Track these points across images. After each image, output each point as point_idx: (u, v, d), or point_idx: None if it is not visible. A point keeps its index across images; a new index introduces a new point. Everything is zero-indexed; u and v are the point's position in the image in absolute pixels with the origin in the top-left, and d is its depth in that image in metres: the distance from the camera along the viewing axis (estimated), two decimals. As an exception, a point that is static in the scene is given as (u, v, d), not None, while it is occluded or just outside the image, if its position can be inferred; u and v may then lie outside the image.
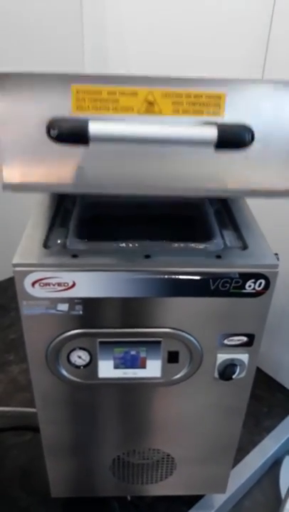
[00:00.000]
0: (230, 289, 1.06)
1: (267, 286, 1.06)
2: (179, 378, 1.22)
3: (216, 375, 1.22)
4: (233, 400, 1.30)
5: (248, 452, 1.91)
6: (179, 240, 1.12)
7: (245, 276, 1.05)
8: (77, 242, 1.09)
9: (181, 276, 1.04)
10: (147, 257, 1.04)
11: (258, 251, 1.09)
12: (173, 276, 1.04)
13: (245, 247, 1.12)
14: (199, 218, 1.34)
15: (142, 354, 1.18)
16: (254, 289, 1.06)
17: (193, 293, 1.07)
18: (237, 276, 1.04)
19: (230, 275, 1.04)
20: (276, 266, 1.04)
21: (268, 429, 2.02)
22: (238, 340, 1.17)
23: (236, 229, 1.21)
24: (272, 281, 1.05)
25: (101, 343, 1.15)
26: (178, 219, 1.38)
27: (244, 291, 1.07)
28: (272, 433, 1.99)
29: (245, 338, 1.17)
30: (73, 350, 1.16)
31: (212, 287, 1.06)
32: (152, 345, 1.17)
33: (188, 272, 1.03)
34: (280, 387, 2.24)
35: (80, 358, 1.18)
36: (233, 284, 1.05)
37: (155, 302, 1.09)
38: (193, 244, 1.12)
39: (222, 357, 1.19)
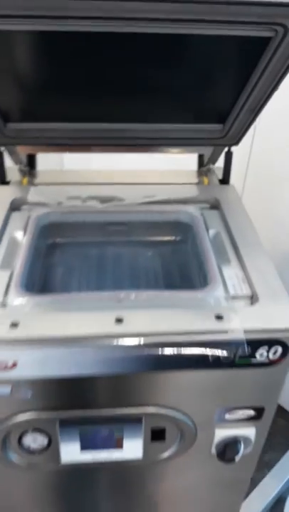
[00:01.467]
0: (236, 359, 0.77)
1: (285, 354, 0.77)
2: (166, 458, 0.94)
3: (213, 450, 0.94)
4: (236, 474, 1.03)
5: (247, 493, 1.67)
6: (167, 284, 0.84)
7: (256, 344, 0.76)
8: (20, 296, 0.78)
9: (166, 350, 0.74)
10: (119, 321, 0.74)
11: (271, 304, 0.80)
12: (155, 350, 0.74)
13: (254, 296, 0.83)
14: (191, 246, 1.04)
15: (118, 434, 0.90)
16: (267, 358, 0.78)
17: (184, 366, 0.78)
18: (244, 343, 0.75)
19: (236, 343, 0.75)
20: (299, 330, 0.75)
21: (269, 465, 1.77)
22: (243, 414, 0.89)
23: (240, 263, 0.91)
24: (292, 348, 0.77)
25: (62, 422, 0.86)
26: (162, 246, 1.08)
27: (254, 361, 0.78)
28: (274, 470, 1.75)
29: (252, 412, 0.89)
30: (26, 432, 0.87)
31: (210, 359, 0.77)
32: (130, 423, 0.88)
33: (177, 343, 0.74)
34: (281, 410, 1.99)
35: (35, 441, 0.89)
36: (239, 354, 0.76)
37: (132, 378, 0.80)
38: (184, 294, 0.82)
39: (221, 434, 0.91)
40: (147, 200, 1.10)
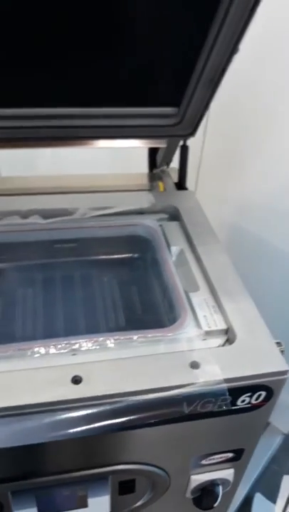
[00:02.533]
0: (214, 408, 0.67)
1: (269, 397, 0.68)
2: (137, 507, 0.83)
3: (189, 495, 0.84)
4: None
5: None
6: (128, 314, 0.70)
7: (238, 392, 0.65)
8: None
9: (135, 410, 0.62)
10: (76, 381, 0.61)
11: (250, 341, 0.69)
12: (122, 412, 0.62)
13: (229, 330, 0.72)
14: (151, 265, 0.92)
15: (81, 492, 0.77)
16: (249, 403, 0.68)
17: (155, 423, 0.67)
18: (226, 394, 0.64)
19: (215, 394, 0.64)
20: (285, 372, 0.65)
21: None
22: (221, 458, 0.79)
23: (210, 288, 0.80)
24: (276, 391, 0.67)
25: (15, 491, 0.73)
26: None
27: (234, 407, 0.68)
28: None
29: (230, 455, 0.79)
30: None
31: (186, 411, 0.65)
32: (95, 481, 0.76)
33: (148, 402, 0.62)
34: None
35: (-19, 512, 0.74)
36: (218, 403, 0.66)
37: (95, 440, 0.67)
38: (150, 335, 0.70)
39: (197, 480, 0.81)
40: (99, 213, 0.95)
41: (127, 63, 0.78)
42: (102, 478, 0.75)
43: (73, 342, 0.67)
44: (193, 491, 0.83)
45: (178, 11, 0.69)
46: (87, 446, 0.68)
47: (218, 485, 0.83)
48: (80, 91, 0.83)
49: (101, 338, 0.68)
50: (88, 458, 0.70)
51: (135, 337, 0.69)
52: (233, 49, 0.74)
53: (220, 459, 0.79)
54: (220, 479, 0.82)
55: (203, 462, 0.79)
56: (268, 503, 1.77)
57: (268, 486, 1.80)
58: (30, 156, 1.25)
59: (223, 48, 0.73)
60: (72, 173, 1.09)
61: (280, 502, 1.70)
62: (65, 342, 0.67)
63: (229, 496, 0.91)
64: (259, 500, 1.75)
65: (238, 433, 0.75)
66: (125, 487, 0.79)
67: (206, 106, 0.87)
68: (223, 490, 0.84)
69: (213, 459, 0.79)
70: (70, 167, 1.10)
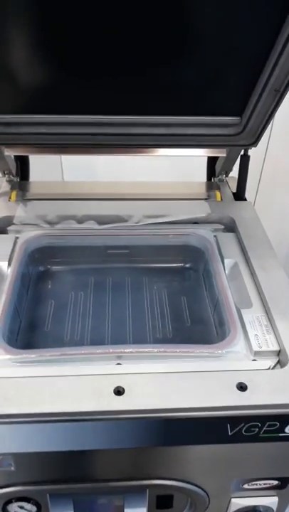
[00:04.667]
0: (260, 433, 0.63)
1: None
2: (173, 524, 0.81)
3: (230, 519, 0.81)
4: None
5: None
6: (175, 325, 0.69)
7: (286, 418, 0.62)
8: None
9: (177, 427, 0.61)
10: (119, 392, 0.60)
11: (304, 366, 0.65)
12: (163, 427, 0.61)
13: (281, 352, 0.68)
14: (203, 276, 0.90)
15: (118, 502, 0.77)
16: (299, 432, 0.64)
17: (197, 442, 0.65)
18: (273, 420, 0.61)
19: (262, 419, 0.61)
20: None
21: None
22: (265, 484, 0.76)
23: (264, 306, 0.77)
24: None
25: (53, 494, 0.73)
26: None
27: (282, 434, 0.64)
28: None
29: (275, 482, 0.75)
30: (10, 501, 0.74)
31: (230, 433, 0.63)
32: (132, 492, 0.75)
33: (190, 419, 0.60)
34: None
35: (22, 508, 0.76)
36: (264, 429, 0.63)
37: (135, 452, 0.66)
38: (198, 350, 0.68)
39: (238, 503, 0.78)
40: (153, 221, 0.95)
41: (189, 71, 0.77)
42: (140, 490, 0.74)
43: (119, 351, 0.67)
44: (234, 515, 0.79)
45: (244, 16, 0.67)
46: (127, 457, 0.68)
47: (260, 512, 0.79)
48: (142, 100, 0.83)
49: (147, 349, 0.67)
50: (127, 469, 0.70)
51: (182, 351, 0.67)
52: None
53: (263, 485, 0.76)
54: (262, 506, 0.78)
55: (246, 486, 0.76)
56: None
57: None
58: (92, 163, 1.27)
59: None
60: (131, 179, 1.09)
61: None
62: (110, 350, 0.67)
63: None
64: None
65: (284, 461, 0.71)
66: (163, 501, 0.78)
67: (270, 116, 0.84)
68: (265, 517, 0.80)
69: (257, 484, 0.75)
70: (130, 174, 1.11)
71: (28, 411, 0.58)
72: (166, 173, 1.23)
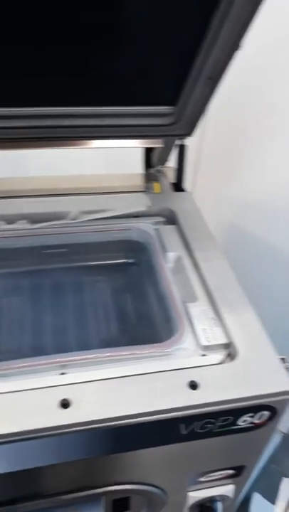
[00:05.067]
0: (214, 429, 0.63)
1: (272, 417, 0.64)
2: (132, 525, 0.80)
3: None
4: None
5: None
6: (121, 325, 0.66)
7: (239, 412, 0.62)
8: None
9: (129, 433, 0.58)
10: (65, 405, 0.57)
11: (253, 357, 0.66)
12: (114, 435, 0.58)
13: (230, 345, 0.68)
14: (146, 271, 0.87)
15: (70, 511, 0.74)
16: (252, 422, 0.64)
17: (150, 445, 0.63)
18: (226, 415, 0.61)
19: (215, 415, 0.60)
20: (287, 392, 0.61)
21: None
22: (220, 474, 0.76)
23: (209, 298, 0.76)
24: (280, 410, 0.64)
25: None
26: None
27: (235, 427, 0.64)
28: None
29: (230, 471, 0.76)
30: None
31: (184, 432, 0.62)
32: (88, 501, 0.73)
33: (142, 424, 0.58)
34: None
35: None
36: (218, 424, 0.62)
37: (87, 462, 0.63)
38: (145, 351, 0.66)
39: (195, 497, 0.78)
40: (91, 217, 0.91)
41: (121, 60, 0.73)
42: (95, 498, 0.72)
43: (62, 359, 0.63)
44: (192, 508, 0.79)
45: (175, 4, 0.64)
46: (79, 468, 0.65)
47: (217, 501, 0.80)
48: (73, 90, 0.78)
49: (93, 355, 0.64)
50: (81, 480, 0.67)
51: (129, 353, 0.64)
52: (235, 45, 0.69)
53: (219, 476, 0.76)
54: (219, 496, 0.79)
55: (202, 479, 0.76)
56: (267, 503, 1.75)
57: (266, 486, 1.78)
58: (20, 157, 1.20)
59: (225, 44, 0.68)
60: (64, 173, 1.04)
61: (280, 504, 1.67)
62: (53, 360, 0.63)
63: (229, 510, 0.88)
64: (257, 500, 1.73)
65: (239, 451, 0.72)
66: (120, 505, 0.76)
67: (204, 105, 0.83)
68: (223, 505, 0.80)
69: (212, 476, 0.75)
70: (62, 168, 1.05)
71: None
72: (99, 165, 1.18)
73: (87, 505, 0.73)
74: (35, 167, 1.16)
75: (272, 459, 1.87)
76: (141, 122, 0.86)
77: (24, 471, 0.60)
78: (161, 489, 0.74)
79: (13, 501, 0.66)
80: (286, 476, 1.74)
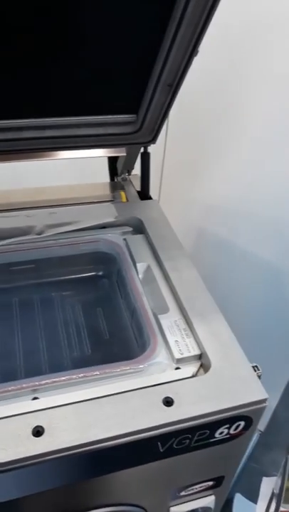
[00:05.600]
0: (192, 443, 0.62)
1: (248, 426, 0.64)
2: None
3: (170, 525, 0.80)
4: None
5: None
6: (93, 342, 0.64)
7: (216, 425, 0.61)
8: None
9: (105, 457, 0.57)
10: (38, 433, 0.54)
11: (226, 368, 0.65)
12: (90, 460, 0.56)
13: (203, 355, 0.67)
14: (117, 283, 0.86)
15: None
16: (228, 433, 0.64)
17: (128, 465, 0.62)
18: (202, 429, 0.60)
19: (192, 430, 0.59)
20: (264, 400, 0.61)
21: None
22: (201, 487, 0.75)
23: (180, 308, 0.76)
24: (255, 419, 0.63)
25: None
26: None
27: (212, 440, 0.63)
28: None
29: (210, 483, 0.75)
30: None
31: (161, 449, 0.61)
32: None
33: (118, 446, 0.56)
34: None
35: None
36: (195, 438, 0.61)
37: (60, 490, 0.61)
38: (118, 368, 0.64)
39: (177, 511, 0.77)
40: (57, 231, 0.89)
41: (78, 69, 0.72)
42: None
43: (33, 384, 0.60)
44: (174, 523, 0.78)
45: (132, 11, 0.63)
46: (55, 495, 0.62)
47: (198, 513, 0.79)
48: (31, 100, 0.76)
49: (64, 378, 0.62)
50: (59, 506, 0.64)
51: (103, 372, 0.63)
52: (193, 51, 0.69)
53: (200, 488, 0.75)
54: (201, 508, 0.78)
55: (183, 493, 0.75)
56: (249, 503, 1.76)
57: (247, 485, 1.79)
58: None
59: (182, 50, 0.68)
60: (25, 186, 1.01)
61: (261, 504, 1.69)
62: (24, 385, 0.60)
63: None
64: (239, 500, 1.74)
65: (217, 462, 0.71)
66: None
67: (165, 112, 0.82)
68: (204, 517, 0.80)
69: (193, 489, 0.74)
70: (24, 180, 1.03)
71: None
72: (63, 177, 1.16)
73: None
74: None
75: (251, 458, 1.88)
76: (104, 131, 0.85)
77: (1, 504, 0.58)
78: (142, 508, 0.72)
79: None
80: (266, 475, 1.75)
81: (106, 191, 1.05)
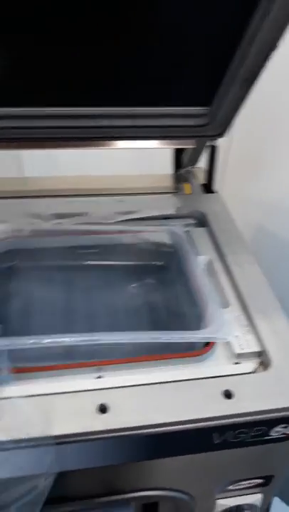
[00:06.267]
0: (247, 439, 0.62)
1: (305, 428, 0.63)
2: (158, 529, 0.80)
3: (214, 519, 0.81)
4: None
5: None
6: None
7: (272, 423, 0.61)
8: None
9: (163, 440, 0.58)
10: (102, 410, 0.57)
11: (287, 366, 0.64)
12: (149, 442, 0.58)
13: (264, 353, 0.67)
14: (177, 275, 0.87)
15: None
16: (284, 433, 0.63)
17: (183, 452, 0.63)
18: (259, 425, 0.60)
19: (250, 425, 0.60)
20: None
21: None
22: (249, 483, 0.75)
23: (241, 304, 0.75)
24: (314, 421, 0.62)
25: None
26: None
27: (267, 438, 0.63)
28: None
29: (259, 481, 0.75)
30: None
31: (216, 441, 0.61)
32: (117, 506, 0.73)
33: (177, 432, 0.57)
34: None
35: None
36: (251, 434, 0.61)
37: (119, 468, 0.63)
38: (180, 355, 0.65)
39: (223, 504, 0.77)
40: (122, 218, 0.91)
41: (155, 61, 0.73)
42: (125, 503, 0.72)
43: (98, 363, 0.63)
44: (219, 515, 0.79)
45: (214, 7, 0.63)
46: (111, 473, 0.65)
47: (244, 510, 0.79)
48: (106, 90, 0.78)
49: (127, 360, 0.63)
50: (112, 484, 0.67)
51: (164, 359, 0.64)
52: (273, 45, 0.68)
53: (248, 485, 0.75)
54: (247, 504, 0.78)
55: (231, 487, 0.75)
56: (285, 507, 1.72)
57: (285, 490, 1.76)
58: (53, 157, 1.20)
59: (263, 45, 0.67)
60: (93, 174, 1.04)
61: (300, 510, 1.65)
62: (89, 363, 0.63)
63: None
64: (277, 504, 1.71)
65: (269, 461, 0.71)
66: (149, 509, 0.76)
67: (239, 106, 0.81)
68: (250, 514, 0.80)
69: (241, 484, 0.74)
70: (91, 168, 1.05)
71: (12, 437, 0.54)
72: (127, 166, 1.18)
73: (118, 510, 0.73)
74: (64, 167, 1.17)
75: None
76: (174, 123, 0.85)
77: (60, 473, 0.61)
78: (191, 496, 0.73)
79: (46, 502, 0.67)
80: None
81: (169, 182, 1.06)
